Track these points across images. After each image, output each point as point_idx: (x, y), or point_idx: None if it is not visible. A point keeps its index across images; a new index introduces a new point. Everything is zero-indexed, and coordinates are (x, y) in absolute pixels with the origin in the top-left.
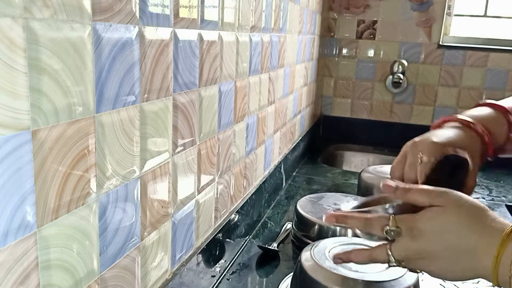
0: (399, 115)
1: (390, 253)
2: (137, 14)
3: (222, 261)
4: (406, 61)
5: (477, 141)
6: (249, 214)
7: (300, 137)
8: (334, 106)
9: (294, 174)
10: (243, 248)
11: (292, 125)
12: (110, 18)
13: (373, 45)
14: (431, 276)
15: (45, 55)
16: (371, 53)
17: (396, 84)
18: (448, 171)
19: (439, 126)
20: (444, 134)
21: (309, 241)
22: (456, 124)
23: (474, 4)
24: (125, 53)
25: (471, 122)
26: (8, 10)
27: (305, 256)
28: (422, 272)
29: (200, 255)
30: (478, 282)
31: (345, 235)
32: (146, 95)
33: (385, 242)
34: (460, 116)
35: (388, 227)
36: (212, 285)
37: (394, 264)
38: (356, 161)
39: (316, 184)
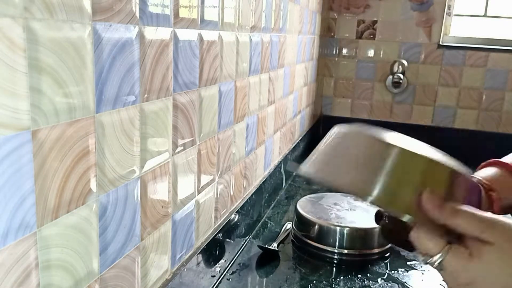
0: (399, 115)
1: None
2: (137, 14)
3: (222, 261)
4: (406, 61)
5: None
6: (249, 214)
7: (300, 137)
8: (334, 106)
9: (294, 174)
10: (243, 248)
11: (292, 125)
12: (110, 18)
13: (373, 45)
14: None
15: (45, 55)
16: (371, 53)
17: (396, 84)
18: (462, 195)
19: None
20: None
21: (309, 241)
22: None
23: (474, 4)
24: (125, 53)
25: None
26: (8, 10)
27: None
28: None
29: (200, 255)
30: None
31: None
32: (146, 95)
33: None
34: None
35: (435, 258)
36: (212, 285)
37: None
38: None
39: (316, 184)
